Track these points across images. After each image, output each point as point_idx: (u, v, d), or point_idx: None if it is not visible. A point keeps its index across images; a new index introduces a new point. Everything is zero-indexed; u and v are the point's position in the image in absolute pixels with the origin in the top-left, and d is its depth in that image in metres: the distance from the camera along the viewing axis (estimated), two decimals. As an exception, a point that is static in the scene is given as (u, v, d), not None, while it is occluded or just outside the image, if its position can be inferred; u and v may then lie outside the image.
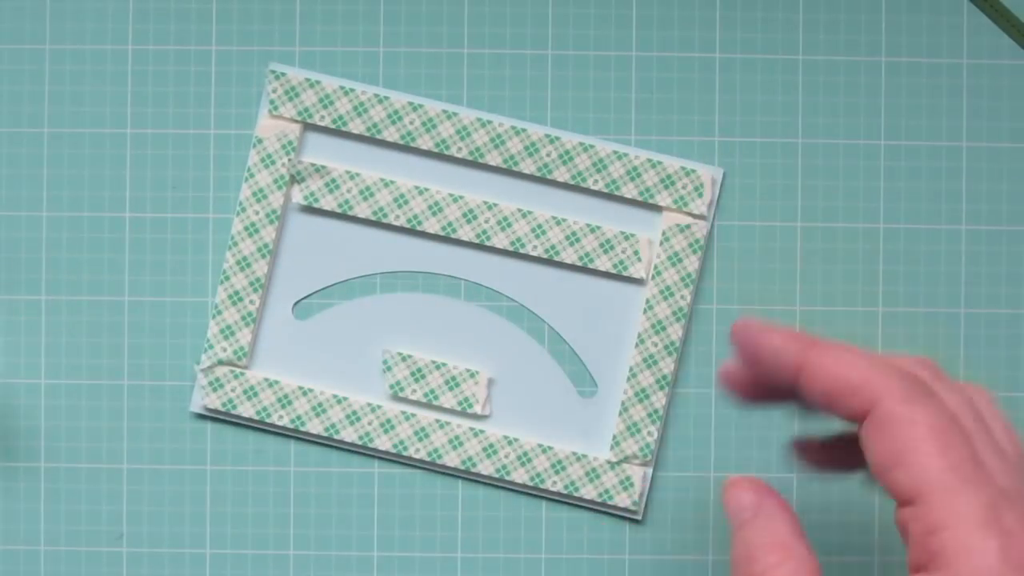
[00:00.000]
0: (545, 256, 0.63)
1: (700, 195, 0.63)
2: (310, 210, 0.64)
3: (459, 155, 0.63)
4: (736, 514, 0.39)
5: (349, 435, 0.63)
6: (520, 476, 0.63)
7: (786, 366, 0.37)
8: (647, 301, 0.63)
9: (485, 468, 0.63)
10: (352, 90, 0.63)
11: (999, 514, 0.31)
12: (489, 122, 0.63)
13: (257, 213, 0.63)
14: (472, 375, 0.63)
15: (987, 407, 0.37)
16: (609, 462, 0.63)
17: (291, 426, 0.63)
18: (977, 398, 0.37)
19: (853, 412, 0.35)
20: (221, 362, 0.63)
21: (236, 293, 0.63)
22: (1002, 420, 0.37)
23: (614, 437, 0.63)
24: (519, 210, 0.63)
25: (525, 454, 0.63)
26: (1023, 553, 0.30)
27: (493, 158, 0.63)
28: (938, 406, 0.33)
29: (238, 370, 0.63)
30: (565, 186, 0.64)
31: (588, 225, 0.63)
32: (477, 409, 0.63)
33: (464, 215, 0.63)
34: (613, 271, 0.63)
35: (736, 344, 0.40)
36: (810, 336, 0.39)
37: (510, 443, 0.63)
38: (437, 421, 0.63)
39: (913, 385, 0.34)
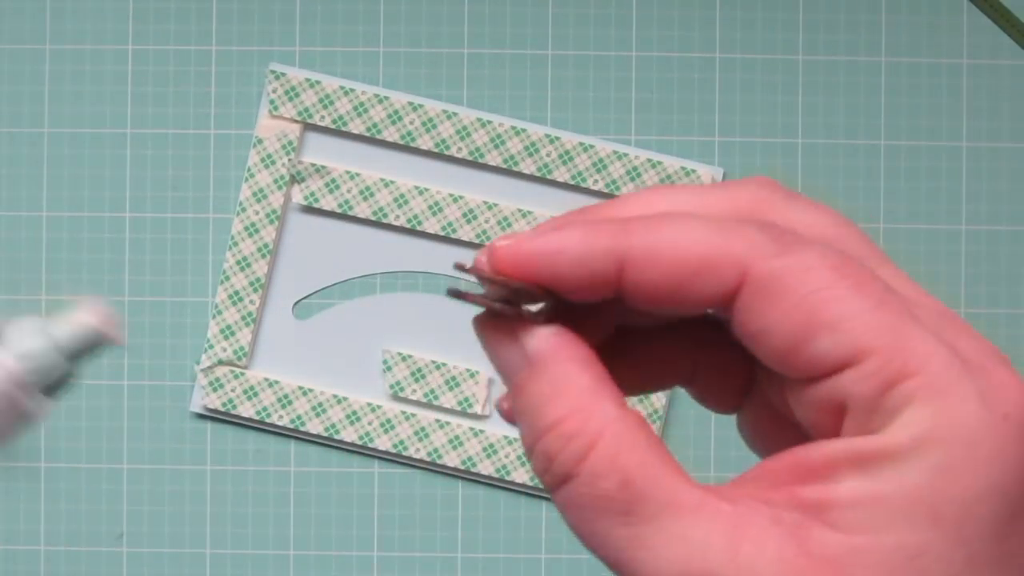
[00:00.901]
0: (545, 256, 0.63)
1: (700, 195, 0.63)
2: (310, 210, 0.64)
3: (459, 155, 0.63)
4: (510, 370, 0.28)
5: (349, 435, 0.63)
6: (520, 476, 0.63)
7: (600, 272, 0.26)
8: (647, 301, 0.63)
9: (485, 468, 0.63)
10: (352, 90, 0.63)
11: (954, 341, 0.25)
12: (489, 122, 0.63)
13: (257, 213, 0.63)
14: (472, 375, 0.63)
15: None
16: (609, 462, 0.63)
17: (291, 426, 0.63)
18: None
19: (715, 296, 0.26)
20: (221, 362, 0.63)
21: (236, 293, 0.63)
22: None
23: (614, 437, 0.63)
24: (519, 210, 0.63)
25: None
26: (999, 392, 0.24)
27: (493, 158, 0.63)
28: (820, 243, 0.26)
29: (238, 370, 0.63)
30: (565, 186, 0.64)
31: (588, 225, 0.63)
32: (477, 409, 0.63)
33: (464, 215, 0.63)
34: (613, 271, 0.63)
35: (511, 272, 0.27)
36: (597, 213, 0.28)
37: (510, 443, 0.63)
38: (437, 421, 0.63)
39: (777, 229, 0.26)
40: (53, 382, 0.36)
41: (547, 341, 0.27)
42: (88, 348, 0.36)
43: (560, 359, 0.27)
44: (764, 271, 0.25)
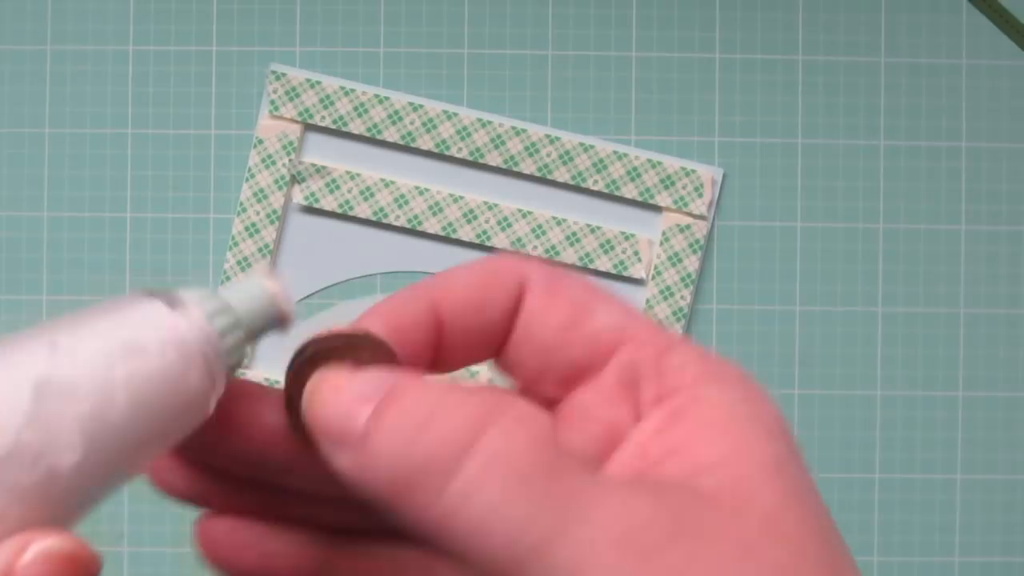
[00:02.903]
0: (545, 256, 0.64)
1: (700, 195, 0.63)
2: (310, 210, 0.64)
3: (459, 155, 0.63)
4: None
5: (349, 435, 0.63)
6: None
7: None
8: (647, 301, 0.63)
9: (485, 468, 0.63)
10: (353, 90, 0.63)
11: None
12: (489, 122, 0.63)
13: (258, 213, 0.63)
14: (472, 375, 0.63)
15: None
16: (609, 462, 0.63)
17: (292, 426, 0.63)
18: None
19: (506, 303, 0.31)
20: (222, 362, 0.63)
21: (237, 293, 0.63)
22: None
23: (614, 437, 0.63)
24: (519, 210, 0.63)
25: (525, 454, 0.63)
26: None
27: (493, 158, 0.63)
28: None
29: (239, 370, 0.63)
30: (565, 186, 0.64)
31: (588, 225, 0.63)
32: (477, 409, 0.63)
33: (464, 215, 0.63)
34: (613, 271, 0.63)
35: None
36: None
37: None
38: (437, 421, 0.63)
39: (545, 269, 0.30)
40: (233, 364, 0.28)
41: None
42: (267, 326, 0.28)
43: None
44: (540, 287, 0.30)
